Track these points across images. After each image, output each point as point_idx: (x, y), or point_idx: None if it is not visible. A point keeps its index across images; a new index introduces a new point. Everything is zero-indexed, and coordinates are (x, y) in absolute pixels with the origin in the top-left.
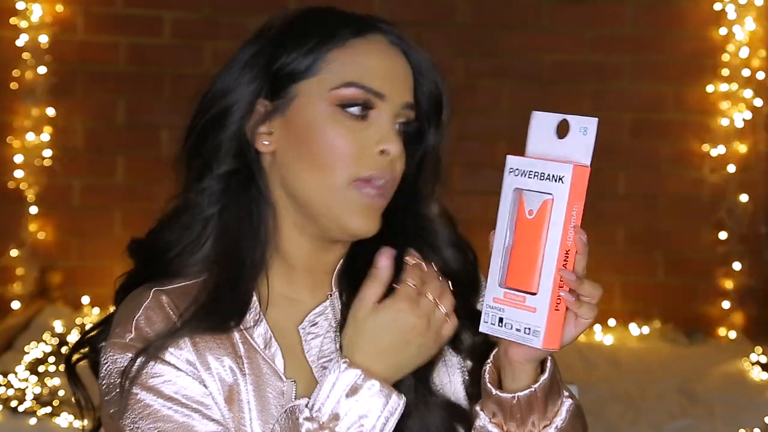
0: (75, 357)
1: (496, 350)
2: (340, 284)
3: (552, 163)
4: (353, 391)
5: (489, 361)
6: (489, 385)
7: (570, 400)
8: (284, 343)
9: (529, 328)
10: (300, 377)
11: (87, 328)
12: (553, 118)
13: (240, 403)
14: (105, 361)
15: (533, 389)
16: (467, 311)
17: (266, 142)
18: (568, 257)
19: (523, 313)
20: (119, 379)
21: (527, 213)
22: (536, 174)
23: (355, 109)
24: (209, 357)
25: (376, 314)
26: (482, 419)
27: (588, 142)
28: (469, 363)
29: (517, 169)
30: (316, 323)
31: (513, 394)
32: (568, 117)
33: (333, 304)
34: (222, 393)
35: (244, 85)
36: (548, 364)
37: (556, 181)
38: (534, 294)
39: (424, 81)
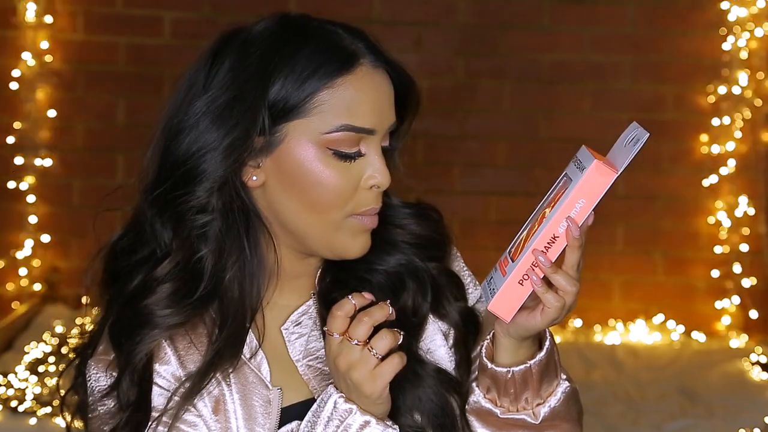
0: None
1: (492, 330)
2: (324, 281)
3: (590, 155)
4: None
5: (488, 336)
6: (485, 359)
7: (567, 382)
8: (268, 347)
9: (494, 289)
10: (285, 378)
11: (73, 352)
12: (636, 130)
13: (226, 413)
14: (88, 378)
15: (528, 365)
16: (444, 272)
17: (255, 177)
18: (553, 243)
19: (500, 275)
20: (102, 397)
21: (554, 193)
22: (576, 161)
23: (346, 152)
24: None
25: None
26: (476, 394)
27: (632, 152)
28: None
29: (575, 157)
30: (300, 323)
31: (508, 369)
32: (639, 130)
33: (317, 302)
34: (208, 404)
35: (229, 134)
36: (546, 343)
37: (581, 170)
38: (514, 262)
39: (400, 85)
